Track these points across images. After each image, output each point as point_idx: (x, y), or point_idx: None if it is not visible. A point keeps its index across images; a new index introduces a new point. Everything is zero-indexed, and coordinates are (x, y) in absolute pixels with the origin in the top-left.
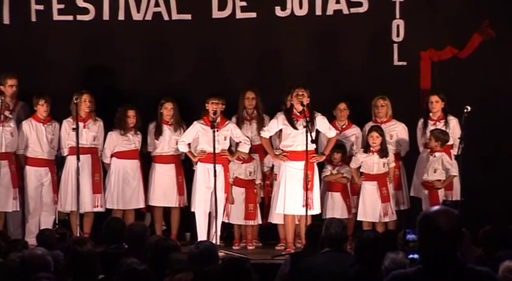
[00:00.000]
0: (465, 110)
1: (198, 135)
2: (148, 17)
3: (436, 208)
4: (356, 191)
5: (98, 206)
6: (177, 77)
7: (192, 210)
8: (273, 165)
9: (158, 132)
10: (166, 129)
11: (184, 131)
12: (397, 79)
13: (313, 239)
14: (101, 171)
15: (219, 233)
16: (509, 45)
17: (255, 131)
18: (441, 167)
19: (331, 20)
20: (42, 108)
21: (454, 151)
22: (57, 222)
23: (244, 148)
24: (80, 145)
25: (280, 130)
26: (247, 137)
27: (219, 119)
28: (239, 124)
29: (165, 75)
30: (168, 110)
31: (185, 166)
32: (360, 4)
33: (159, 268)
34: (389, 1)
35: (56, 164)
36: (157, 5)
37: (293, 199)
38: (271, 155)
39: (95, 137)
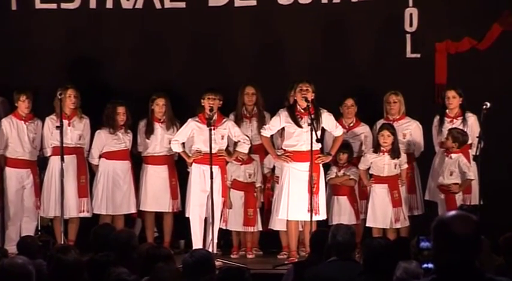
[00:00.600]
0: (484, 107)
1: (193, 134)
2: (139, 5)
3: (452, 212)
4: (365, 194)
5: (84, 211)
6: (170, 71)
7: (187, 215)
8: (274, 166)
9: (149, 131)
10: (158, 128)
11: (177, 130)
12: (410, 73)
13: (318, 247)
14: (87, 173)
15: (215, 240)
16: None
17: (255, 129)
18: (458, 169)
19: (338, 8)
20: (23, 105)
21: (473, 151)
22: (39, 228)
23: (243, 148)
24: (64, 145)
25: (283, 128)
26: (247, 136)
27: (215, 117)
28: (238, 122)
29: (157, 68)
30: (160, 106)
31: (179, 168)
32: None
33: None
34: None
35: (39, 165)
36: None
37: (297, 204)
38: (272, 156)
39: (80, 136)
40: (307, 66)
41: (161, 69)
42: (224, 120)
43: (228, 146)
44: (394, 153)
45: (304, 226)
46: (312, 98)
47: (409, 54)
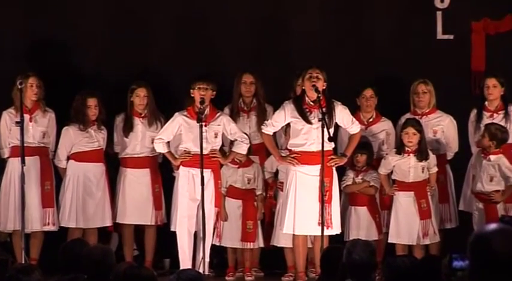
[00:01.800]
0: None
1: (180, 131)
2: None
3: (492, 226)
4: (387, 204)
5: (48, 224)
6: (152, 55)
7: (173, 229)
8: (277, 170)
9: (128, 128)
10: (139, 124)
11: (161, 126)
12: (441, 58)
13: (331, 267)
14: (52, 178)
15: (207, 259)
16: None
17: (254, 125)
18: (499, 173)
19: None
20: None
21: None
22: None
23: (241, 148)
24: (25, 144)
25: (288, 124)
26: (245, 133)
27: (207, 110)
28: (234, 117)
29: (137, 52)
30: (140, 98)
31: (163, 172)
32: None
33: None
34: None
35: None
36: None
37: (305, 215)
38: (276, 157)
39: (44, 134)
40: (318, 49)
41: (142, 54)
42: (218, 114)
43: (223, 145)
44: (421, 154)
45: (314, 241)
46: (324, 87)
47: (440, 36)
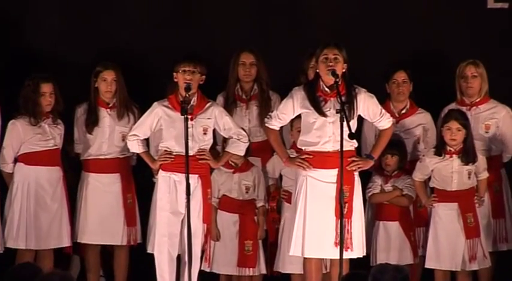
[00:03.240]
0: None
1: (160, 126)
2: None
3: None
4: (423, 219)
5: None
6: (123, 30)
7: (150, 251)
8: (280, 175)
9: (92, 121)
10: (106, 116)
11: (135, 119)
12: (493, 32)
13: None
14: None
15: None
16: None
17: (255, 118)
18: None
19: None
20: None
21: None
22: None
23: (238, 148)
24: None
25: (298, 117)
26: (242, 129)
27: (194, 99)
28: (230, 107)
29: (104, 26)
30: (107, 83)
31: (138, 177)
32: None
33: None
34: None
35: None
36: None
37: (319, 233)
38: (282, 159)
39: None
40: (336, 22)
41: (110, 28)
42: (208, 105)
43: (214, 144)
44: (467, 155)
45: (331, 267)
46: (343, 71)
47: (491, 4)
